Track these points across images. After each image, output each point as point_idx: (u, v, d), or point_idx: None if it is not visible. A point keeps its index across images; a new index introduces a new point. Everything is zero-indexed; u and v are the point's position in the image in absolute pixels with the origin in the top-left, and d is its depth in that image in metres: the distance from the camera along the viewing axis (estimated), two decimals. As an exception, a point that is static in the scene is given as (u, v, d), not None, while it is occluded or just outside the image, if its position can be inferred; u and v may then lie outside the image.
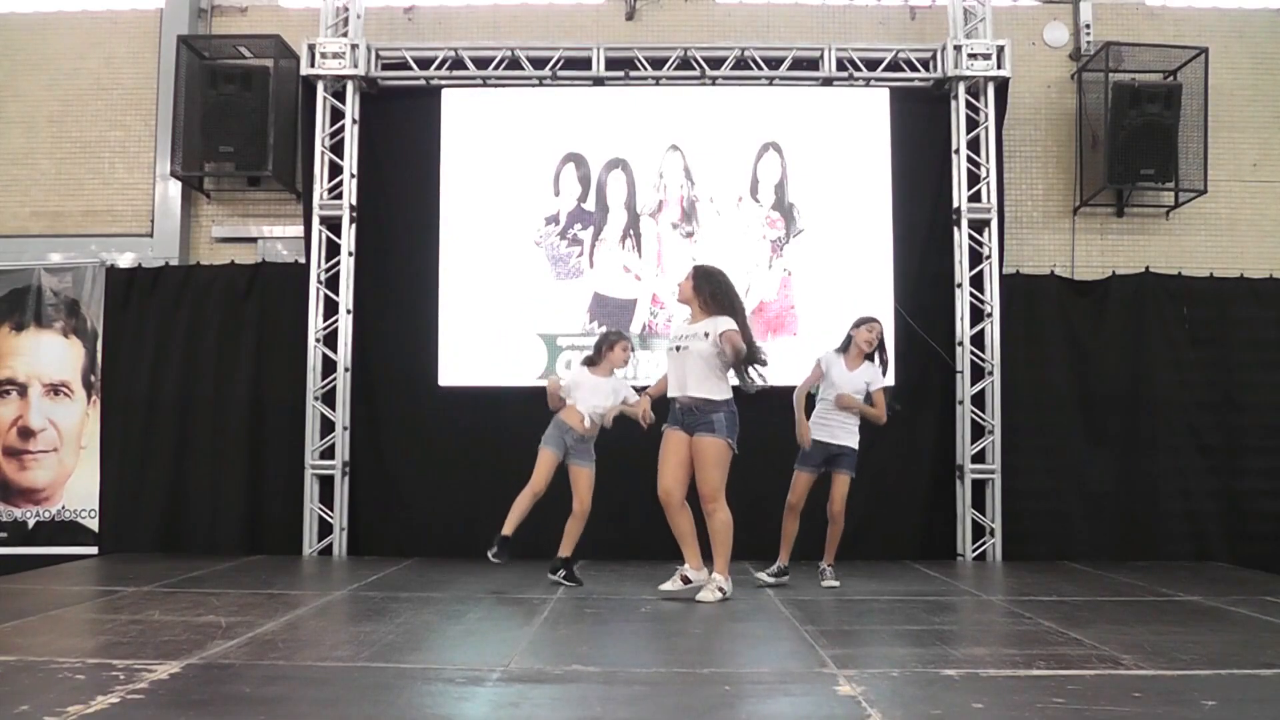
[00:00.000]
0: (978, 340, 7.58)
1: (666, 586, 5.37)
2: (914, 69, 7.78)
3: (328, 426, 7.57)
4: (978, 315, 7.60)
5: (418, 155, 7.75)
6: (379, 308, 7.72)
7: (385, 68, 7.82)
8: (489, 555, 5.62)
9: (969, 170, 7.64)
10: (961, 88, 7.63)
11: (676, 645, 4.37)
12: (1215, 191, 7.89)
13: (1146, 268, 7.84)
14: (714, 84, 7.80)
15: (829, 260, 7.57)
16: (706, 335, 5.20)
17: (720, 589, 5.24)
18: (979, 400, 7.54)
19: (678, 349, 5.31)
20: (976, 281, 7.62)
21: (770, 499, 6.11)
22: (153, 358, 7.76)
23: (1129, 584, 6.13)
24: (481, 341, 7.55)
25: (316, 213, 7.64)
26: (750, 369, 5.29)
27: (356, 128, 7.71)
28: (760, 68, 7.77)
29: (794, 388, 5.92)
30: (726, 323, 5.18)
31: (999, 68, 7.56)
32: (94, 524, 7.73)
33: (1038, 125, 8.22)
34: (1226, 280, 7.79)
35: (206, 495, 7.62)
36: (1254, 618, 4.87)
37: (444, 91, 7.77)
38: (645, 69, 7.76)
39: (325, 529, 7.49)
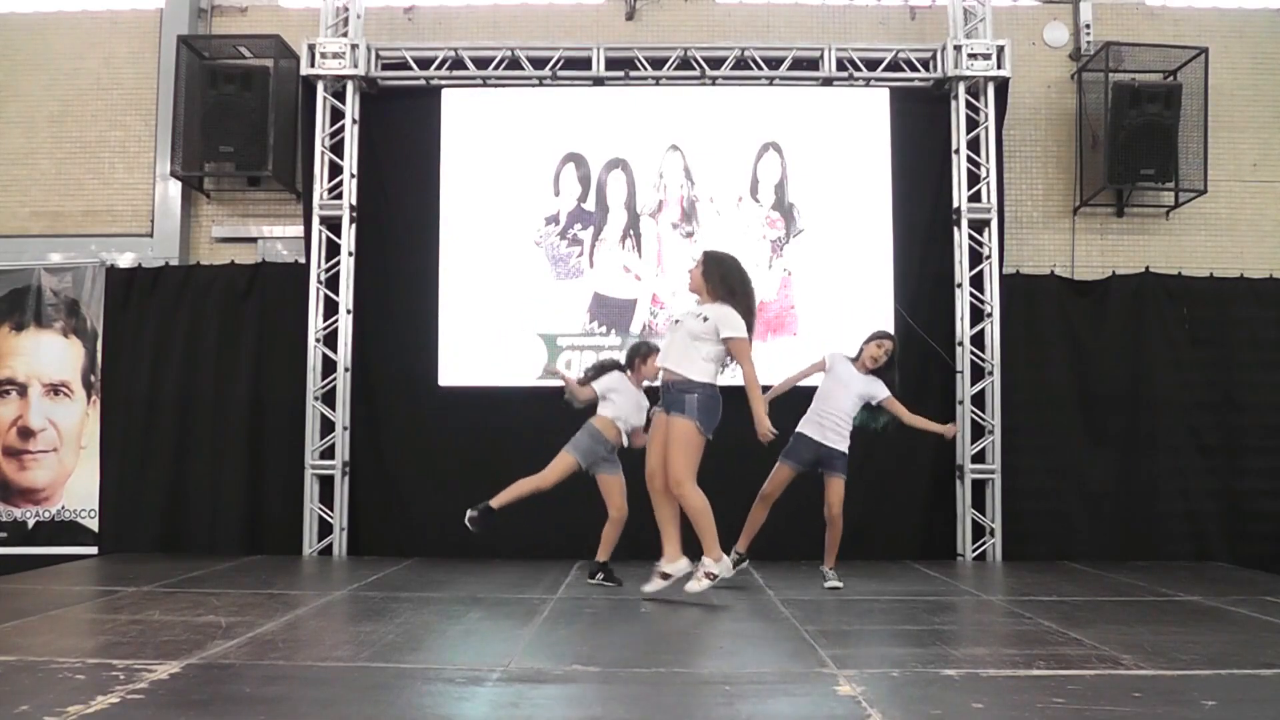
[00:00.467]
0: (978, 340, 7.58)
1: (649, 588, 5.24)
2: (914, 69, 7.77)
3: (328, 426, 7.57)
4: (978, 315, 7.60)
5: (418, 155, 7.74)
6: (379, 308, 7.72)
7: (385, 68, 7.82)
8: (466, 518, 5.52)
9: (969, 170, 7.63)
10: (961, 88, 7.63)
11: (677, 645, 4.37)
12: (1215, 191, 7.89)
13: (1146, 268, 7.84)
14: (714, 84, 7.80)
15: (829, 260, 7.56)
16: (706, 320, 5.06)
17: (710, 574, 5.05)
18: (979, 400, 7.54)
19: (677, 322, 5.27)
20: (976, 281, 7.62)
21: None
22: (153, 358, 7.76)
23: (1129, 584, 6.13)
24: (481, 341, 7.55)
25: (316, 213, 7.64)
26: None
27: (356, 128, 7.70)
28: (760, 68, 7.76)
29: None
30: (733, 324, 5.03)
31: (999, 68, 7.56)
32: (94, 524, 7.73)
33: (1038, 125, 8.22)
34: (1226, 280, 7.79)
35: (206, 495, 7.62)
36: (1254, 618, 4.88)
37: (444, 91, 7.77)
38: (645, 69, 7.75)
39: (325, 529, 7.48)
